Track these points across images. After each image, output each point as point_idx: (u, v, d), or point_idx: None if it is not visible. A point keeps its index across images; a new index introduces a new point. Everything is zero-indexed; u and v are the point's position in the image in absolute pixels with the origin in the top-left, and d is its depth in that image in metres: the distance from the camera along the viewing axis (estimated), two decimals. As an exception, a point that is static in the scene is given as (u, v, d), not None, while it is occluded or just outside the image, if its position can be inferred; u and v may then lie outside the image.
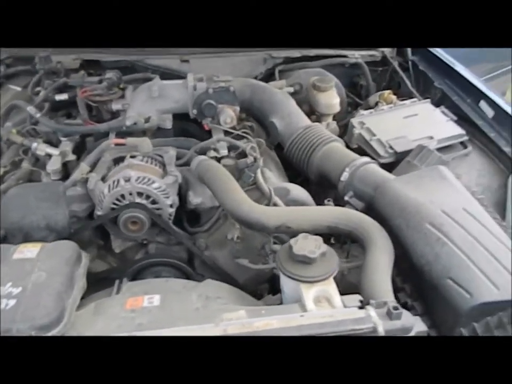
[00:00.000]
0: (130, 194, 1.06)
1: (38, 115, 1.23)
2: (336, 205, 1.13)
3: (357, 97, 1.80)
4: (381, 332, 0.72)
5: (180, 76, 1.59)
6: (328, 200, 1.16)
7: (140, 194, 1.07)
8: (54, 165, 1.16)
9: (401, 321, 0.74)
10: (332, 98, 1.49)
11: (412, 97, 1.68)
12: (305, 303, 0.79)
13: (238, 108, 1.35)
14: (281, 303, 0.94)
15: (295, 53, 1.72)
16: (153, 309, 0.80)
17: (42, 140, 1.28)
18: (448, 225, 0.89)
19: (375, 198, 1.05)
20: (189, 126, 1.48)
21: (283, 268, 0.85)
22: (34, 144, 1.20)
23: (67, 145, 1.26)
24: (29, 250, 0.86)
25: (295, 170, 1.38)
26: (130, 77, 1.47)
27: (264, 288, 1.22)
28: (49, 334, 0.72)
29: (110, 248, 1.18)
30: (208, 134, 1.41)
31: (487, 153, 1.33)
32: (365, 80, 1.79)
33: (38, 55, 1.55)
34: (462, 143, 1.37)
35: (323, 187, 1.33)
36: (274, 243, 1.12)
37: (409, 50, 1.81)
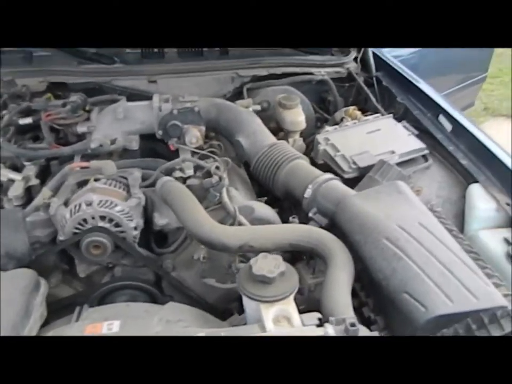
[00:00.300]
0: (93, 218, 1.06)
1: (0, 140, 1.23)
2: (301, 222, 1.16)
3: (325, 112, 1.84)
4: (336, 349, 0.73)
5: (148, 96, 1.60)
6: (293, 217, 1.18)
7: (102, 217, 1.07)
8: (16, 190, 1.15)
9: (358, 337, 0.75)
10: (297, 116, 1.51)
11: (377, 113, 1.73)
12: (264, 323, 0.80)
13: (203, 128, 1.36)
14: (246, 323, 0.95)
15: (263, 71, 1.75)
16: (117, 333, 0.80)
17: (5, 165, 1.27)
18: (403, 239, 0.92)
19: (336, 214, 1.07)
20: (156, 146, 1.48)
21: (243, 288, 0.85)
22: (-4, 170, 1.19)
23: (31, 169, 1.25)
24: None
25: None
26: (97, 99, 1.47)
27: (235, 306, 1.22)
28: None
29: (76, 273, 1.17)
30: (176, 154, 1.42)
31: (447, 166, 1.37)
32: (332, 96, 1.84)
33: (1, 79, 1.56)
34: (423, 156, 1.41)
35: (290, 204, 1.35)
36: (241, 261, 1.13)
37: (373, 66, 1.86)
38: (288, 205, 1.39)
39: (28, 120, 1.36)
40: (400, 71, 1.76)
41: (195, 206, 1.04)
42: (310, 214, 1.16)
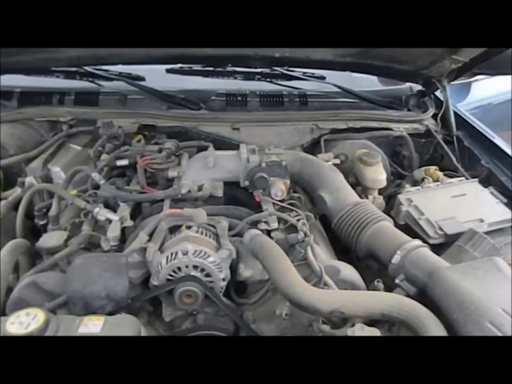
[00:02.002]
0: (187, 267, 1.10)
1: (102, 182, 1.31)
2: (385, 285, 1.14)
3: (399, 167, 1.83)
4: None
5: (231, 143, 1.67)
6: (378, 281, 1.17)
7: (195, 267, 1.10)
8: (114, 231, 1.22)
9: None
10: (378, 174, 1.52)
11: (456, 172, 1.70)
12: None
13: (288, 181, 1.39)
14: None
15: (342, 124, 1.78)
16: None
17: (100, 201, 1.35)
18: (507, 325, 0.88)
19: (428, 286, 1.05)
20: (237, 192, 1.53)
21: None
22: (96, 209, 1.27)
23: (125, 209, 1.32)
24: (94, 324, 0.89)
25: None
26: (185, 144, 1.55)
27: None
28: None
29: (159, 315, 1.20)
30: (254, 202, 1.46)
31: (539, 239, 1.31)
32: (408, 151, 1.83)
33: (101, 120, 1.68)
34: (512, 226, 1.36)
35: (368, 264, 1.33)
36: (324, 323, 1.12)
37: (454, 124, 1.85)
38: (364, 265, 1.38)
39: (124, 162, 1.45)
40: (484, 132, 1.73)
41: (287, 265, 1.05)
42: (397, 281, 1.14)
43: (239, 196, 1.53)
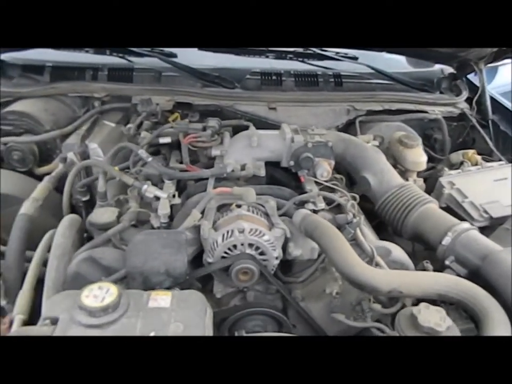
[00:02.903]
0: (242, 244, 1.11)
1: (150, 159, 1.31)
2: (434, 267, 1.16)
3: (431, 150, 1.83)
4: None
5: (267, 122, 1.66)
6: (427, 262, 1.19)
7: (250, 245, 1.11)
8: (164, 208, 1.22)
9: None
10: (419, 156, 1.52)
11: (491, 156, 1.70)
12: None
13: (333, 162, 1.39)
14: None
15: (377, 106, 1.78)
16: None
17: (141, 179, 1.35)
18: None
19: (482, 268, 1.07)
20: (275, 172, 1.53)
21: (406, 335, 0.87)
22: (145, 187, 1.27)
23: (171, 187, 1.32)
24: (162, 299, 0.90)
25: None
26: (227, 123, 1.54)
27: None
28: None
29: (208, 292, 1.22)
30: (295, 181, 1.46)
31: None
32: (441, 135, 1.83)
33: (139, 97, 1.66)
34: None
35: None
36: (374, 302, 1.14)
37: (489, 108, 1.84)
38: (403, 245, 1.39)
39: (167, 140, 1.44)
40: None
41: (345, 244, 1.06)
42: (447, 262, 1.15)
43: (277, 176, 1.53)
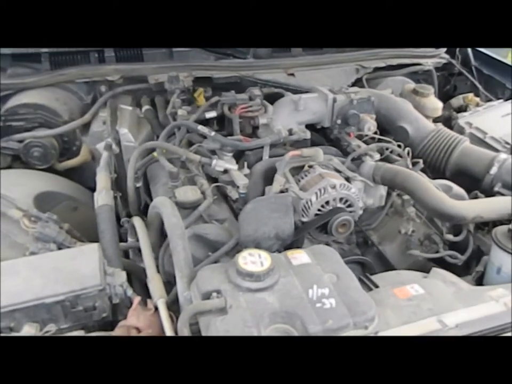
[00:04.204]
0: (334, 200, 1.17)
1: (212, 133, 1.30)
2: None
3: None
4: None
5: (288, 88, 1.70)
6: (477, 193, 1.35)
7: (341, 199, 1.18)
8: (242, 179, 1.24)
9: None
10: (436, 103, 1.68)
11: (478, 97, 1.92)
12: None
13: (375, 116, 1.49)
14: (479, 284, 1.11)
15: (380, 63, 1.90)
16: (426, 296, 0.93)
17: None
18: None
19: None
20: (311, 135, 1.60)
21: (508, 248, 1.02)
22: (214, 161, 1.27)
23: (232, 160, 1.33)
24: (301, 256, 0.95)
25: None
26: (267, 91, 1.56)
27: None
28: (370, 328, 0.82)
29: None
30: (329, 142, 1.54)
31: None
32: (432, 84, 2.01)
33: (156, 76, 1.61)
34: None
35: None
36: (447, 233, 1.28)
37: (471, 56, 2.04)
38: None
39: (213, 114, 1.43)
40: (500, 58, 1.95)
41: (430, 184, 1.17)
42: (496, 189, 1.33)
43: (313, 139, 1.60)
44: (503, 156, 1.35)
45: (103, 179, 1.24)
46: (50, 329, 0.84)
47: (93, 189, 1.28)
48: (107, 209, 1.12)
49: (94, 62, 1.68)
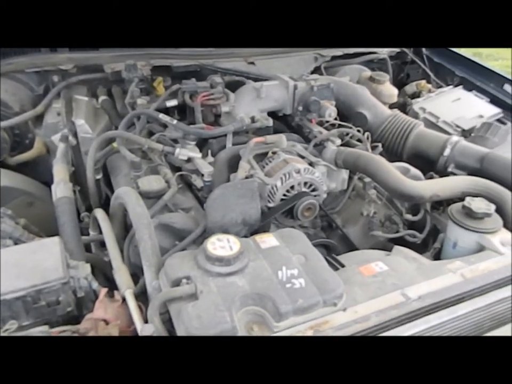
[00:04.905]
0: (299, 184, 1.19)
1: (174, 122, 1.28)
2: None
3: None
4: None
5: (248, 77, 1.70)
6: (432, 174, 1.42)
7: (305, 184, 1.20)
8: (206, 167, 1.23)
9: None
10: (392, 89, 1.74)
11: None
12: (497, 248, 1.03)
13: (334, 103, 1.52)
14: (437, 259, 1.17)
15: (338, 51, 1.93)
16: (390, 272, 0.97)
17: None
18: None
19: (483, 167, 1.32)
20: (273, 123, 1.61)
21: (462, 223, 1.08)
22: (177, 150, 1.25)
23: (195, 148, 1.32)
24: (269, 240, 0.96)
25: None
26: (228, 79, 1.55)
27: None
28: (339, 304, 0.84)
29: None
30: (290, 129, 1.56)
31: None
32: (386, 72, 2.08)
33: (113, 65, 1.56)
34: (498, 120, 1.71)
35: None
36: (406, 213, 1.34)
37: (422, 45, 2.13)
38: None
39: (174, 103, 1.41)
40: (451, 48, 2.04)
41: (390, 166, 1.22)
42: (450, 169, 1.40)
43: (275, 127, 1.61)
44: (454, 138, 1.42)
45: (60, 171, 1.19)
46: (11, 326, 0.80)
47: (48, 184, 1.23)
48: (66, 201, 1.08)
49: (45, 50, 1.60)
